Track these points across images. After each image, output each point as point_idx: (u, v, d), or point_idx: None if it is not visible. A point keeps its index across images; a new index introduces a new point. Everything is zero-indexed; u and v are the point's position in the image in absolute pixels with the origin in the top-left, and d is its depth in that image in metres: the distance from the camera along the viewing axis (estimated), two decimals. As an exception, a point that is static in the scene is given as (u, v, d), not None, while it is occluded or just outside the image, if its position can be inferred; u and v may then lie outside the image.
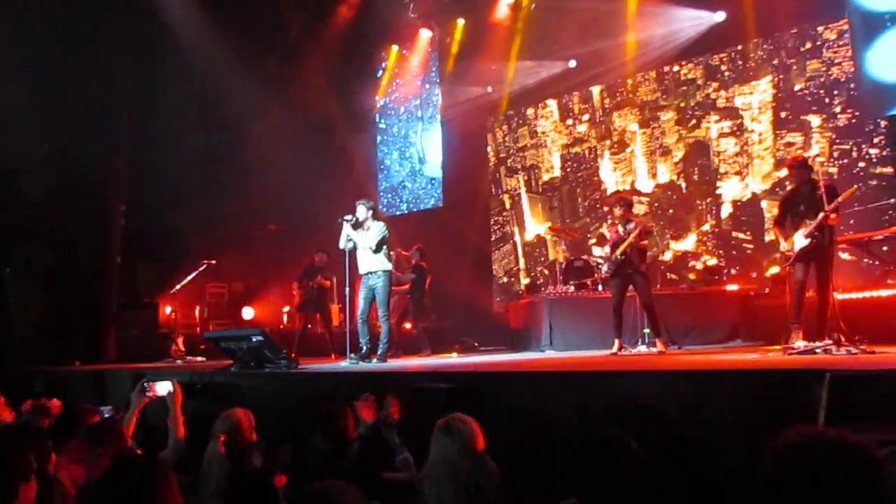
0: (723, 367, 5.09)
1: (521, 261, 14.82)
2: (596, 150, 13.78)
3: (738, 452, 3.89)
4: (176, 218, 14.40)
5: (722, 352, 7.82)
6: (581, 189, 13.93)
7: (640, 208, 12.33)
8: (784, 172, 9.53)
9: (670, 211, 12.47)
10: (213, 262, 12.15)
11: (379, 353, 8.64)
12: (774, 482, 1.87)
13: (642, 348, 8.48)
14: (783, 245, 7.04)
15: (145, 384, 4.75)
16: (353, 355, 8.60)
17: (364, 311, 8.76)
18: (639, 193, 10.31)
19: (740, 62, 12.11)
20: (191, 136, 15.27)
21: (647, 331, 8.59)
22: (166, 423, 4.59)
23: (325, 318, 11.63)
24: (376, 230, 8.72)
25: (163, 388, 4.75)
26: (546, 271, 13.74)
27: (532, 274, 14.39)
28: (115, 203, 13.45)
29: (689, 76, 12.71)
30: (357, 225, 8.85)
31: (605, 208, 12.97)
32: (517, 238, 14.96)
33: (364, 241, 8.72)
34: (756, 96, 11.87)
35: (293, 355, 10.26)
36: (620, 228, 8.40)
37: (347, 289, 9.10)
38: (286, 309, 14.66)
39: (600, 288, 10.37)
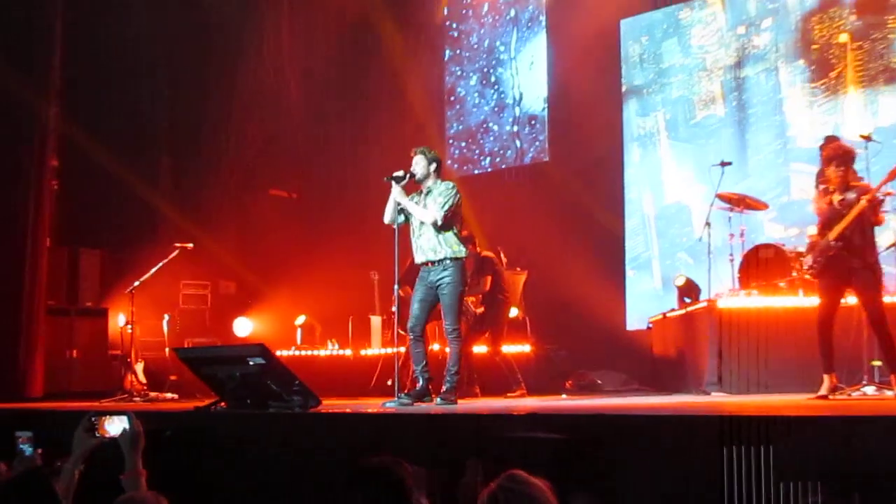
0: None
1: (655, 243, 14.64)
2: (779, 74, 13.55)
3: None
4: (133, 181, 14.55)
5: None
6: (753, 134, 13.73)
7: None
8: None
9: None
10: (190, 246, 12.19)
11: (445, 388, 8.54)
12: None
13: (869, 390, 8.30)
14: None
15: (94, 420, 4.76)
16: (402, 395, 8.53)
17: (419, 320, 8.69)
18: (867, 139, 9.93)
19: None
20: (155, 56, 15.40)
21: (877, 363, 8.42)
22: (119, 481, 4.58)
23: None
24: (442, 195, 8.64)
25: (116, 426, 4.76)
26: (690, 259, 13.47)
27: (668, 261, 14.23)
28: (44, 158, 13.65)
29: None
30: (412, 187, 8.79)
31: (797, 165, 12.72)
32: (648, 208, 14.84)
33: (423, 213, 8.65)
34: None
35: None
36: (835, 198, 8.15)
37: (396, 286, 9.02)
38: (300, 321, 14.72)
39: (801, 293, 10.12)
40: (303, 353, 13.98)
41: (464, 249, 8.73)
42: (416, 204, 8.72)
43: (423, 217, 8.64)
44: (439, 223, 8.56)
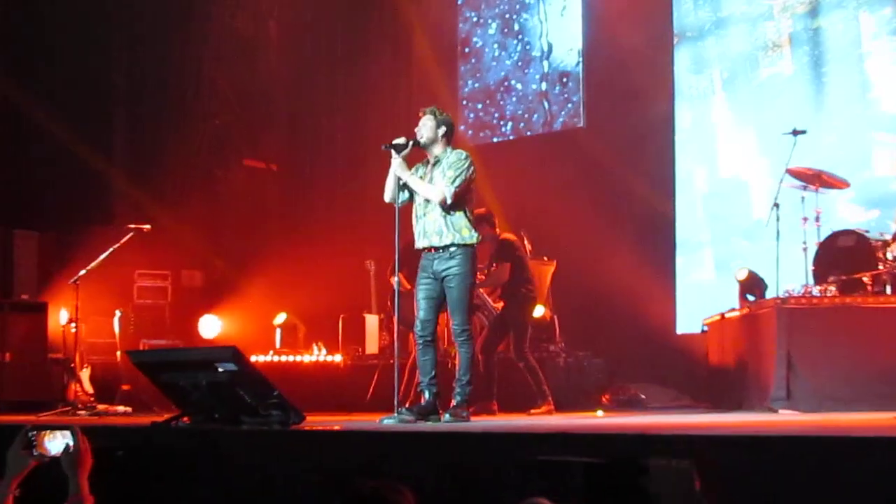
0: None
1: (707, 227, 14.64)
2: (860, 24, 13.52)
3: None
4: (80, 149, 14.54)
5: None
6: (827, 96, 13.69)
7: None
8: None
9: None
10: (146, 227, 12.16)
11: (455, 402, 8.60)
12: None
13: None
14: None
15: (31, 436, 4.76)
16: (404, 410, 8.55)
17: (428, 323, 8.71)
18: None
19: None
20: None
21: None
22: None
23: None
24: (452, 167, 8.62)
25: (58, 443, 4.76)
26: (747, 244, 13.43)
27: (722, 248, 14.23)
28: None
29: None
30: (419, 156, 8.79)
31: (881, 135, 12.74)
32: (699, 184, 14.81)
33: (428, 189, 8.64)
34: None
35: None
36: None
37: (395, 279, 8.99)
38: (280, 320, 14.71)
39: (889, 289, 10.11)
40: (283, 358, 13.97)
41: (475, 235, 8.74)
42: (421, 178, 8.72)
43: (428, 194, 8.64)
44: (448, 201, 8.54)
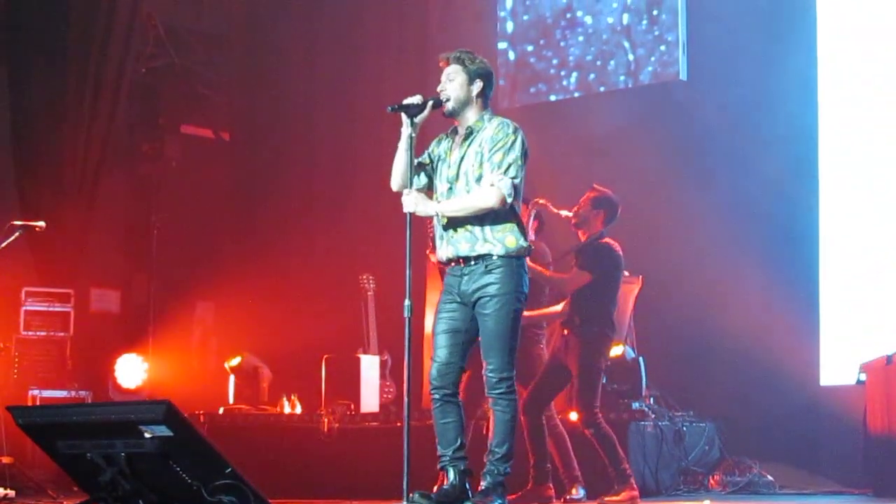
0: None
1: (869, 228, 14.52)
2: None
3: None
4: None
5: None
6: None
7: None
8: None
9: None
10: (40, 225, 12.31)
11: (485, 484, 8.70)
12: None
13: None
14: None
15: None
16: (417, 496, 8.59)
17: (447, 367, 8.76)
18: None
19: None
20: None
21: None
22: None
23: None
24: (500, 146, 8.66)
25: None
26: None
27: (889, 256, 14.11)
28: None
29: None
30: (436, 127, 8.91)
31: None
32: (856, 162, 14.58)
33: (474, 200, 8.64)
34: None
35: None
36: None
37: (407, 302, 9.10)
38: (234, 362, 14.79)
39: None
40: (240, 419, 14.10)
41: (524, 243, 8.79)
42: (448, 153, 8.84)
43: (477, 205, 8.61)
44: (509, 200, 8.57)
